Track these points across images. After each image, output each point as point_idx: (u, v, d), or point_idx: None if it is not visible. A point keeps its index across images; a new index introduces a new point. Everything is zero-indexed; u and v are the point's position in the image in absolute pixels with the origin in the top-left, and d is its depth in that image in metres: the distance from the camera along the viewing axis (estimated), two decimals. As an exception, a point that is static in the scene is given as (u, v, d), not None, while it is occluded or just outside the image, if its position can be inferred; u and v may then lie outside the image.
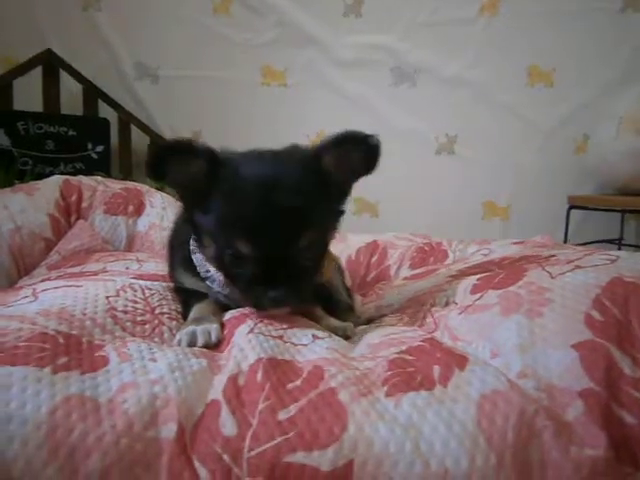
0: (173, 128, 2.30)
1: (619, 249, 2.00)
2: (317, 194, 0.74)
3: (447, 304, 0.88)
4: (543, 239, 1.50)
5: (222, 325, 0.80)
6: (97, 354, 0.65)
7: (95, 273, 1.08)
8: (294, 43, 2.26)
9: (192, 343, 0.74)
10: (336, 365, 0.66)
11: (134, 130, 2.19)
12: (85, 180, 1.48)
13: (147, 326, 0.80)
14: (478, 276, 0.87)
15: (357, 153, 0.77)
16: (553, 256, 0.95)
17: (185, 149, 0.74)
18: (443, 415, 0.56)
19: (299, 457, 0.53)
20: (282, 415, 0.57)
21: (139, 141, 2.20)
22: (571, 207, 2.00)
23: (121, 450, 0.53)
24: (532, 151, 2.23)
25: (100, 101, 2.14)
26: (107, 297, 0.81)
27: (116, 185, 1.52)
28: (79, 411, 0.55)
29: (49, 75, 2.05)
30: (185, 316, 0.85)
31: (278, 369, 0.65)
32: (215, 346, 0.76)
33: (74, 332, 0.69)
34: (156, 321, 0.82)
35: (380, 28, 2.25)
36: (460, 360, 0.65)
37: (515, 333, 0.68)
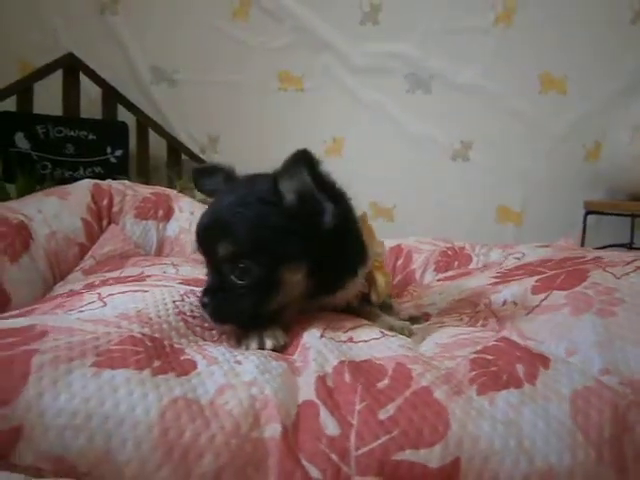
0: (190, 133, 2.31)
1: (629, 251, 2.04)
2: (256, 214, 0.74)
3: (504, 304, 0.90)
4: (567, 242, 1.53)
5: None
6: (182, 357, 0.66)
7: (141, 278, 1.07)
8: (311, 48, 2.27)
9: (260, 346, 0.75)
10: (419, 363, 0.67)
11: (151, 134, 2.19)
12: (114, 184, 1.47)
13: (214, 331, 0.80)
14: (536, 277, 0.89)
15: (304, 171, 0.72)
16: (599, 258, 0.97)
17: (212, 169, 0.88)
18: (539, 412, 0.58)
19: (407, 455, 0.54)
20: (382, 415, 0.58)
21: (156, 145, 2.19)
22: (588, 212, 2.05)
23: (232, 451, 0.54)
24: (544, 157, 2.27)
25: (117, 105, 2.13)
26: (174, 301, 0.81)
27: (145, 190, 1.51)
28: (187, 413, 0.55)
29: (69, 79, 2.04)
30: None
31: (362, 370, 0.66)
32: (282, 349, 0.77)
33: (156, 335, 0.69)
34: (222, 326, 0.82)
35: (396, 36, 2.27)
36: (542, 359, 0.66)
37: (591, 331, 0.70)
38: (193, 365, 0.64)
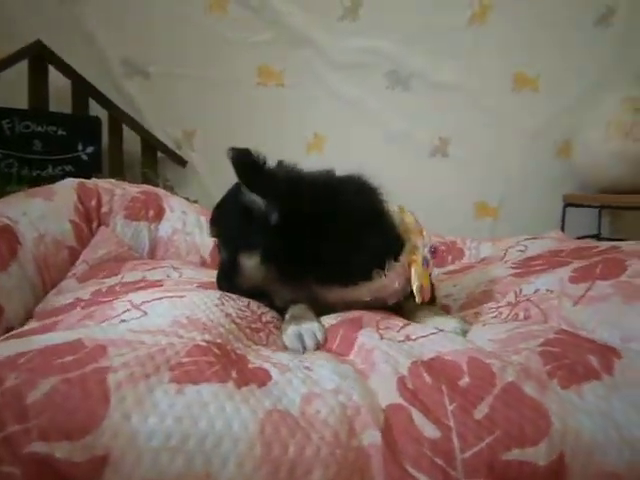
0: (164, 128, 2.19)
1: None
2: (228, 206, 0.89)
3: (537, 292, 0.90)
4: (557, 235, 1.59)
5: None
6: (250, 365, 0.62)
7: (154, 284, 1.00)
8: (292, 43, 2.23)
9: (301, 345, 0.73)
10: (492, 358, 0.65)
11: (124, 129, 2.06)
12: (100, 183, 1.37)
13: (262, 334, 0.77)
14: (569, 267, 0.91)
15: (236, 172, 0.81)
16: (617, 247, 1.01)
17: None
18: (627, 401, 0.58)
19: (515, 454, 0.52)
20: (477, 415, 0.56)
21: (130, 141, 2.07)
22: (566, 205, 2.14)
23: (339, 462, 0.51)
24: (519, 153, 2.35)
25: (88, 99, 1.99)
26: (216, 305, 0.76)
27: (133, 188, 1.42)
28: (285, 425, 0.51)
29: (37, 69, 1.86)
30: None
31: (437, 369, 0.64)
32: (321, 345, 0.75)
33: (219, 341, 0.64)
34: (267, 330, 0.78)
35: (376, 33, 2.28)
36: (610, 349, 0.67)
37: (646, 319, 0.71)
38: (267, 374, 0.60)
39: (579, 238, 2.08)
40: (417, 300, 0.85)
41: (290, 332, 0.75)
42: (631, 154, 1.90)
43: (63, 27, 2.09)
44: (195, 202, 1.82)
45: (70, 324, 0.73)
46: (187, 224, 1.41)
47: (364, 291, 0.86)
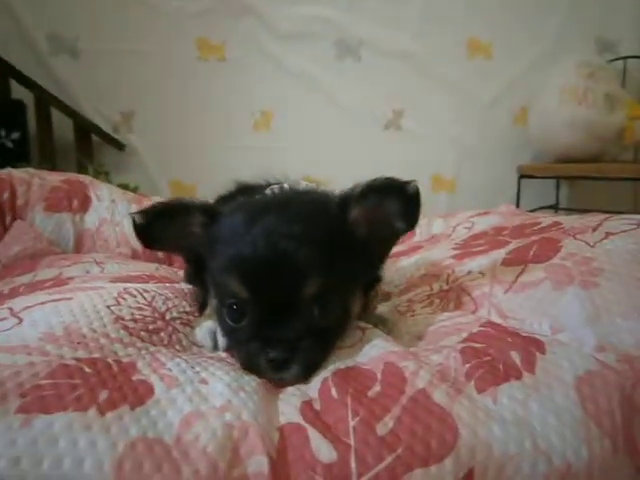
0: (99, 110, 2.05)
1: (556, 213, 2.13)
2: (333, 247, 0.64)
3: (469, 273, 0.85)
4: (508, 208, 1.54)
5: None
6: (135, 377, 0.54)
7: (61, 281, 0.92)
8: (231, 13, 2.08)
9: (213, 342, 0.69)
10: (410, 359, 0.59)
11: (55, 113, 1.91)
12: (16, 173, 1.26)
13: (162, 334, 0.69)
14: (505, 249, 0.85)
15: (392, 205, 0.67)
16: (558, 223, 0.96)
17: (176, 210, 0.69)
18: (547, 405, 0.53)
19: (418, 475, 0.47)
20: (381, 430, 0.50)
21: (61, 126, 1.92)
22: (521, 176, 2.09)
23: (214, 500, 0.44)
24: (473, 123, 2.28)
25: (9, 81, 1.83)
26: (108, 307, 0.68)
27: (54, 177, 1.31)
28: (150, 459, 0.44)
29: None
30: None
31: (349, 378, 0.58)
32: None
33: (96, 355, 0.57)
34: (170, 328, 0.71)
35: (321, -1, 2.15)
36: (535, 343, 0.62)
37: (578, 306, 0.66)
38: (149, 390, 0.52)
39: (535, 210, 2.05)
40: None
41: (205, 327, 0.70)
42: (583, 121, 1.85)
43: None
44: (136, 188, 1.72)
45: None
46: (116, 214, 1.32)
47: None
